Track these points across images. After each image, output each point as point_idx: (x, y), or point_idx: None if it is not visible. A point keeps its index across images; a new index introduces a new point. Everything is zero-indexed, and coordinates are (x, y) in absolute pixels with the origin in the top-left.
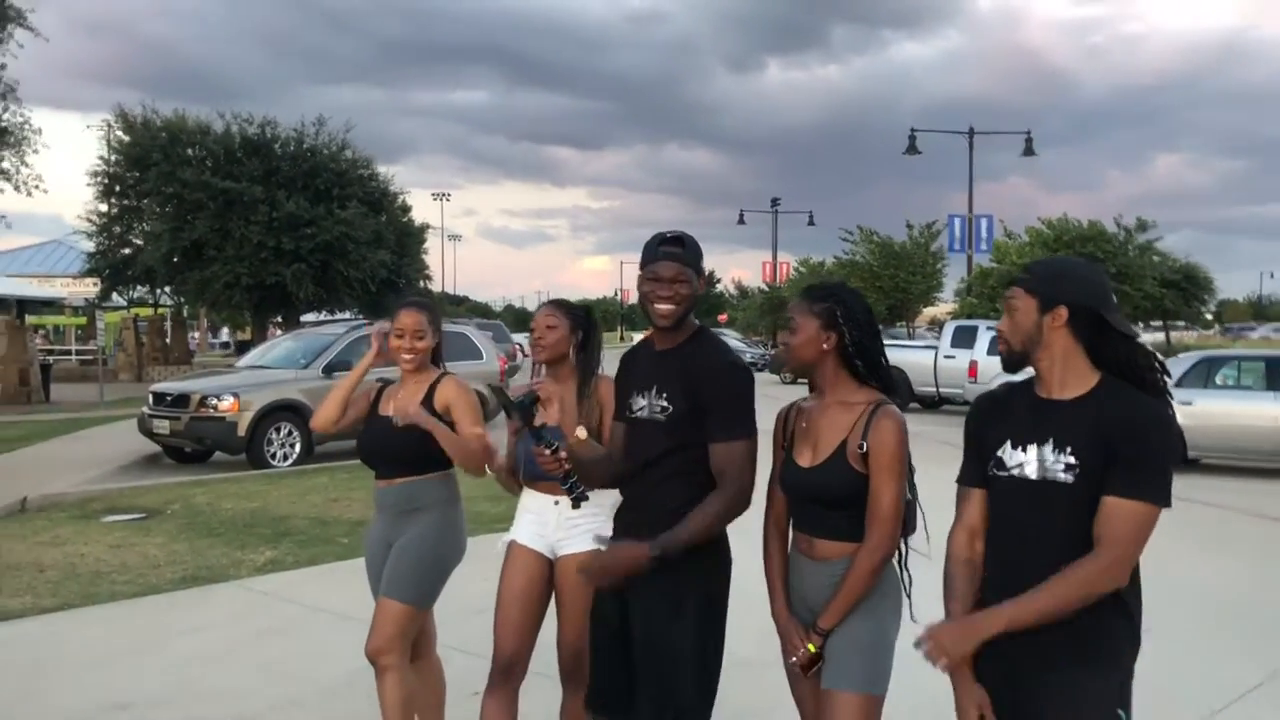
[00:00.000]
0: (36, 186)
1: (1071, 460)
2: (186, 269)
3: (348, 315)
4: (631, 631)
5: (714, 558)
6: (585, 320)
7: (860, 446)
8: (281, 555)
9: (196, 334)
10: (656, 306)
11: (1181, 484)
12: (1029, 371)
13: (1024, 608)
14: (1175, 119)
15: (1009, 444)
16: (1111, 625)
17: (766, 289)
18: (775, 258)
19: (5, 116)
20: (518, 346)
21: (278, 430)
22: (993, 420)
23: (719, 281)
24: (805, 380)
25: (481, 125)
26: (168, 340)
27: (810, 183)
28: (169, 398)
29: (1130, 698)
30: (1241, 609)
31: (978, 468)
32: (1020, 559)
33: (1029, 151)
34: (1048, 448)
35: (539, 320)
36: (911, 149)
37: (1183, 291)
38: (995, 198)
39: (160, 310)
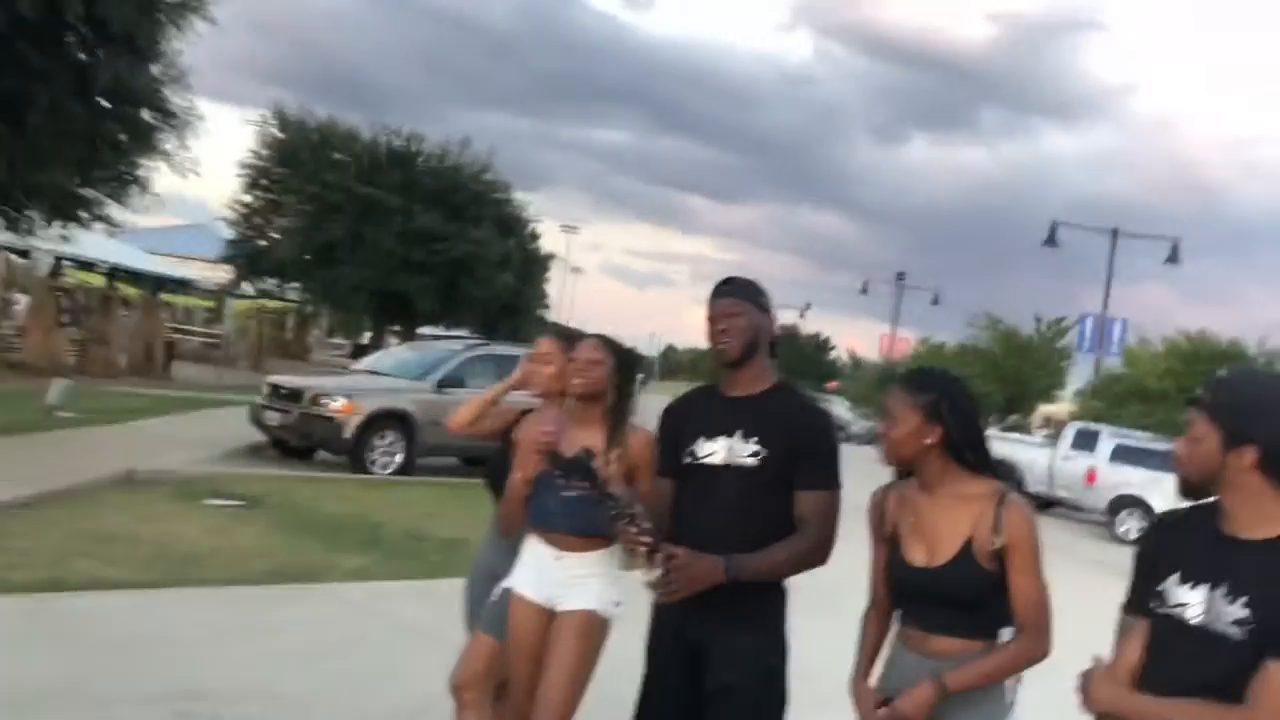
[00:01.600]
0: (192, 170)
1: (1244, 614)
2: (317, 268)
3: (464, 332)
4: (704, 684)
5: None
6: (630, 361)
7: (992, 543)
8: (371, 563)
9: (316, 333)
10: (718, 346)
11: None
12: None
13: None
14: None
15: (1177, 577)
16: None
17: (881, 362)
18: (894, 330)
19: (175, 101)
20: None
21: (382, 437)
22: (1169, 545)
23: (834, 349)
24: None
25: (619, 164)
26: (288, 335)
27: (940, 262)
28: (283, 391)
29: None
30: None
31: (1145, 597)
32: None
33: (1173, 259)
34: (1220, 592)
35: (582, 352)
36: (1050, 240)
37: None
38: (1130, 304)
39: (286, 305)
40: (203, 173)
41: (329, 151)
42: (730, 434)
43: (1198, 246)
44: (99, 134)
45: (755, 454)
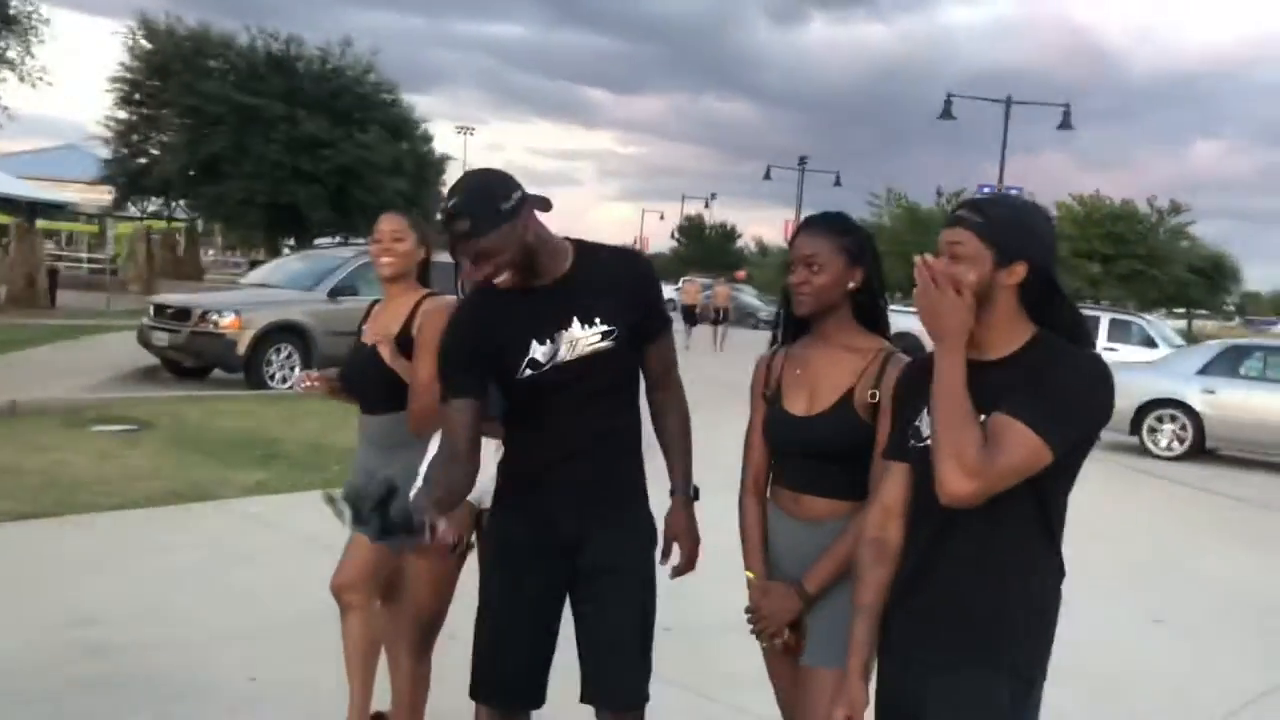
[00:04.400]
0: (41, 79)
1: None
2: (202, 183)
3: (361, 241)
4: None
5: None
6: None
7: (871, 395)
8: (270, 478)
9: (211, 252)
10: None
11: (1201, 473)
12: None
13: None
14: (1220, 105)
15: (926, 410)
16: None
17: (787, 248)
18: (799, 216)
19: (14, 4)
20: None
21: (278, 351)
22: (917, 386)
23: (740, 237)
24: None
25: (516, 60)
26: (180, 255)
27: (842, 144)
28: (169, 310)
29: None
30: (1257, 605)
31: (898, 439)
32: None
33: (1066, 124)
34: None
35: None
36: (946, 114)
37: (1209, 280)
38: (1029, 171)
39: (174, 224)
40: (73, 93)
41: (203, 60)
42: (561, 327)
43: (1092, 113)
44: None
45: (607, 334)
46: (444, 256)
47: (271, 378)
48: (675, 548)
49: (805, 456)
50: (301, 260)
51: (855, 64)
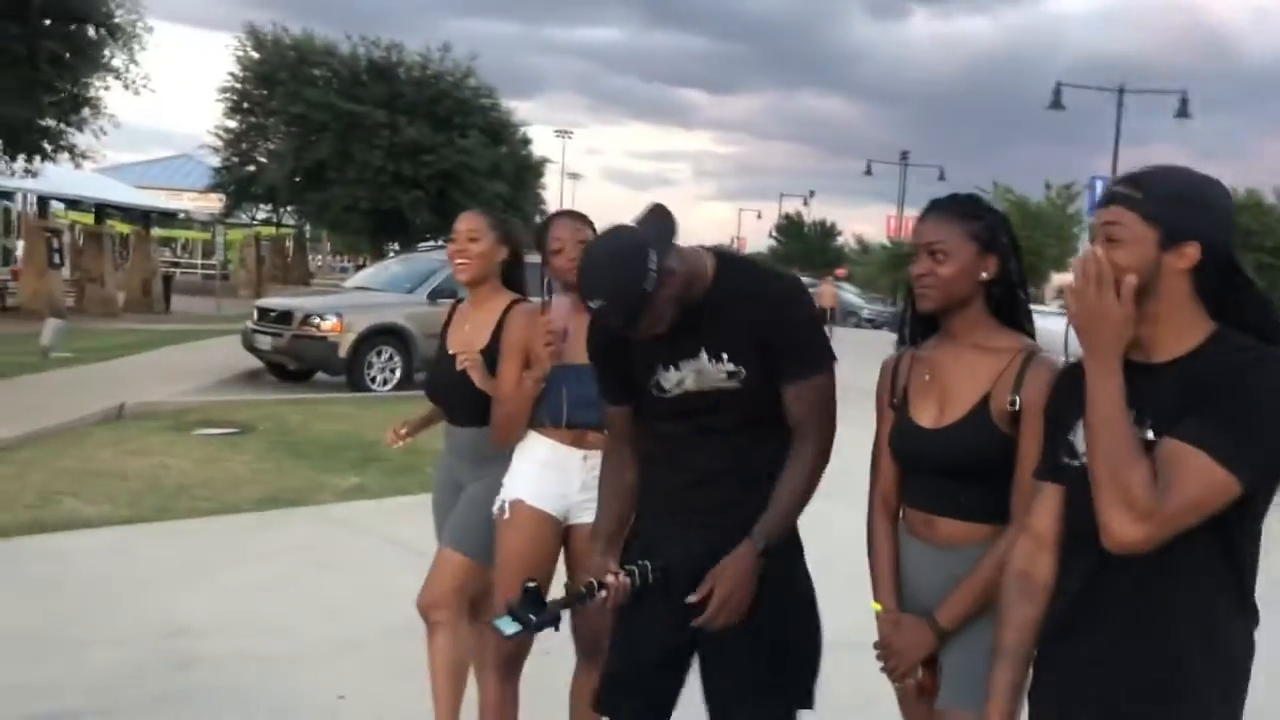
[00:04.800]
0: (145, 86)
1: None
2: (308, 190)
3: None
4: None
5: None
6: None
7: (1011, 402)
8: (366, 482)
9: (319, 257)
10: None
11: None
12: None
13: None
14: None
15: (1081, 422)
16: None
17: (889, 245)
18: (901, 211)
19: (120, 14)
20: None
21: (379, 354)
22: (1072, 393)
23: (840, 234)
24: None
25: (612, 63)
26: (289, 260)
27: (945, 138)
28: (273, 314)
29: None
30: None
31: (1049, 456)
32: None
33: (1183, 113)
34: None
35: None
36: (1056, 104)
37: None
38: (1142, 163)
39: (282, 230)
40: (189, 107)
41: (307, 69)
42: (686, 356)
43: (1209, 101)
44: (38, 51)
45: (731, 374)
46: (535, 257)
47: (373, 380)
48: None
49: (936, 474)
50: (401, 264)
51: (957, 58)
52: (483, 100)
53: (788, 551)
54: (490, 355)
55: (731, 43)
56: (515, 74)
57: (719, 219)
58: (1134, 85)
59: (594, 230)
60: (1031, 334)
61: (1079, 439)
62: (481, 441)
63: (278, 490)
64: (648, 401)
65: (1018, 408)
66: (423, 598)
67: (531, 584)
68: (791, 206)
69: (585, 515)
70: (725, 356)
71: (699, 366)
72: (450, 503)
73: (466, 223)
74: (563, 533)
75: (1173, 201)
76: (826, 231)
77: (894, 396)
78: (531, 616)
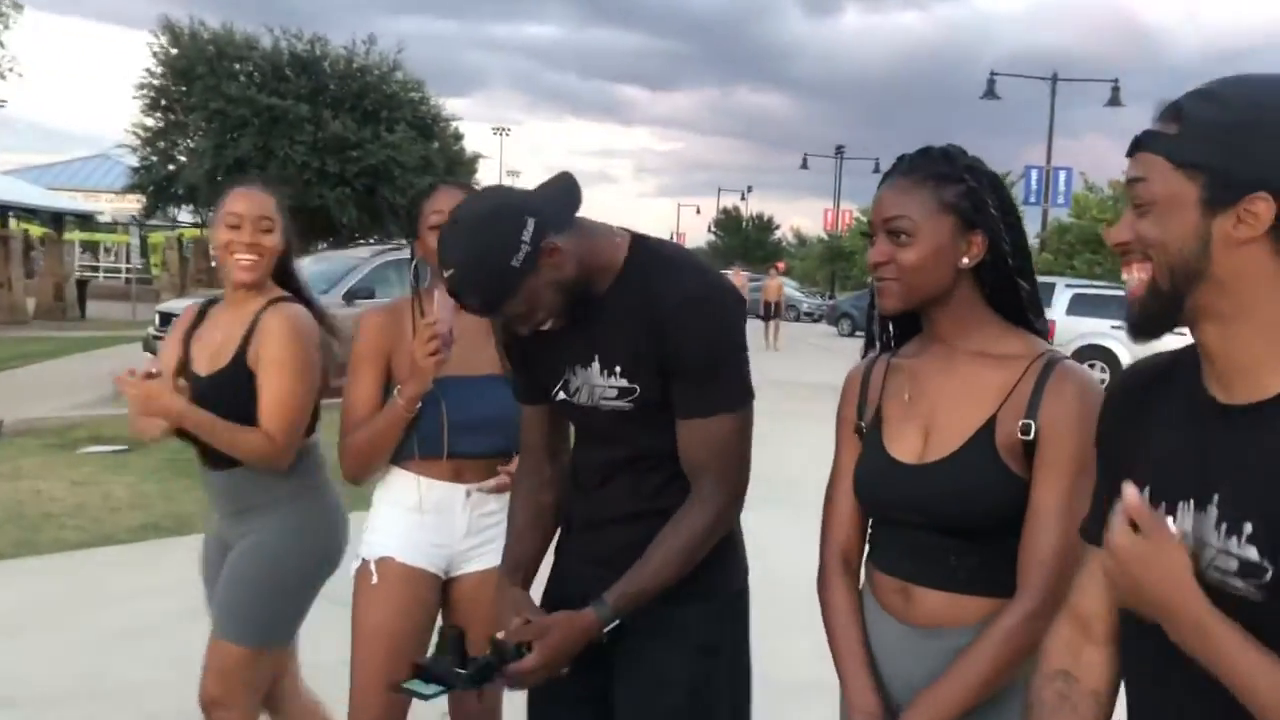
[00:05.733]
0: (10, 69)
1: (1252, 555)
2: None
3: (396, 243)
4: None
5: (718, 579)
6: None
7: (1024, 429)
8: None
9: None
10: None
11: None
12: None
13: None
14: None
15: (1146, 494)
16: None
17: (826, 238)
18: (837, 205)
19: None
20: None
21: None
22: (1137, 417)
23: (778, 228)
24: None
25: (551, 60)
26: (214, 263)
27: (881, 131)
28: (174, 319)
29: None
30: None
31: (1100, 510)
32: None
33: (1115, 101)
34: (1210, 512)
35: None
36: (990, 94)
37: None
38: (1074, 154)
39: (205, 231)
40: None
41: (227, 63)
42: (587, 360)
43: (1137, 94)
44: None
45: (624, 393)
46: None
47: None
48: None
49: (919, 528)
50: (318, 263)
51: (891, 52)
52: (411, 94)
53: (730, 616)
54: (235, 371)
55: (669, 39)
56: (452, 71)
57: (660, 215)
58: (1066, 75)
59: None
60: (1044, 333)
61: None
62: (241, 487)
63: (160, 516)
64: (562, 407)
65: (1032, 436)
66: (202, 692)
67: (453, 630)
68: (730, 201)
69: (472, 564)
70: (618, 370)
71: (590, 379)
72: (218, 568)
73: (252, 204)
74: (441, 589)
75: (1227, 133)
76: (764, 225)
77: (861, 418)
78: (459, 670)
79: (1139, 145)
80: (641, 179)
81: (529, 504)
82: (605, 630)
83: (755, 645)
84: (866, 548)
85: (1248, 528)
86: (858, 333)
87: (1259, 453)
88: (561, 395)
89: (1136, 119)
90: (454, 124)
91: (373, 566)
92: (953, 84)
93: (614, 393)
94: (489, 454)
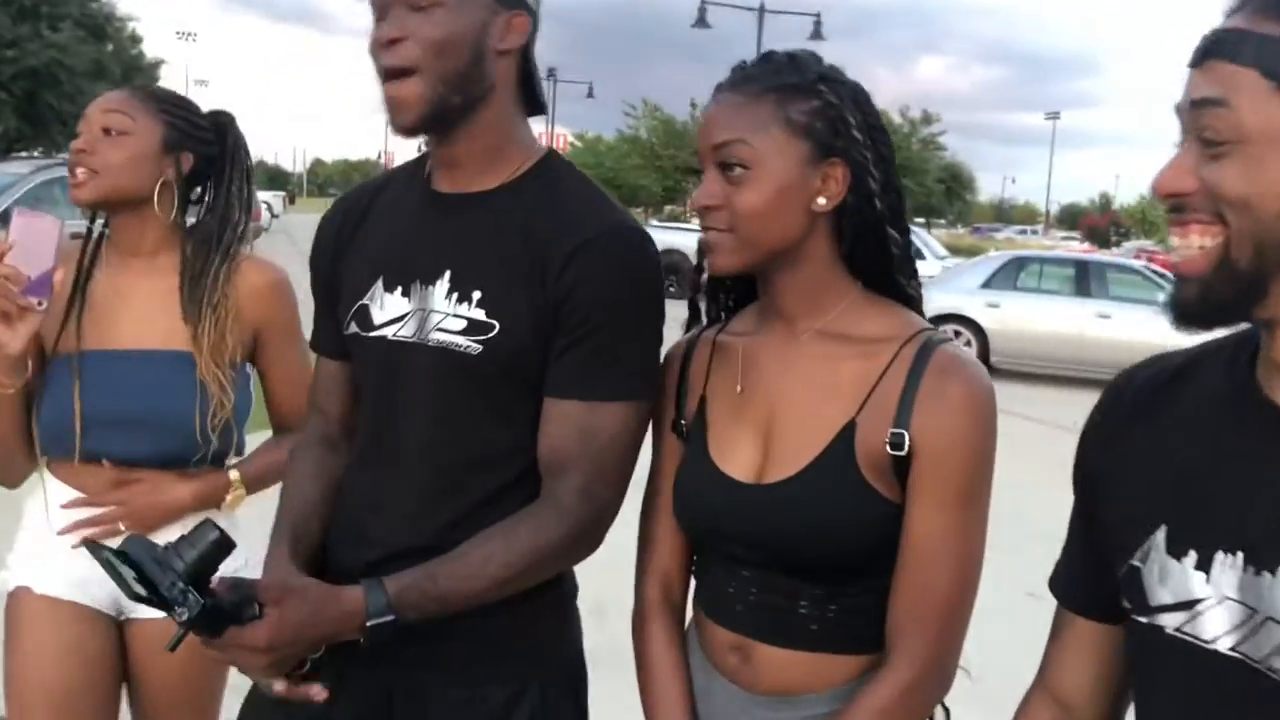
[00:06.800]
0: None
1: None
2: None
3: (61, 157)
4: None
5: (550, 644)
6: (210, 132)
7: (894, 441)
8: None
9: None
10: (385, 89)
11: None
12: None
13: None
14: (943, 22)
15: (1163, 537)
16: None
17: None
18: (551, 130)
19: None
20: (264, 207)
21: None
22: (1136, 445)
23: None
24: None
25: None
26: None
27: (594, 56)
28: None
29: None
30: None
31: (1086, 569)
32: None
33: (817, 34)
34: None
35: (93, 118)
36: (701, 22)
37: (948, 190)
38: None
39: None
40: None
41: None
42: (427, 278)
43: (836, 28)
44: None
45: (476, 327)
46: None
47: None
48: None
49: (760, 566)
50: None
51: None
52: None
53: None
54: None
55: None
56: None
57: (372, 132)
58: (772, 8)
59: (154, 107)
60: (917, 302)
61: (1174, 576)
62: None
63: None
64: (360, 347)
65: (905, 452)
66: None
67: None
68: None
69: (146, 608)
70: (476, 296)
71: (428, 301)
72: None
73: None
74: (117, 635)
75: None
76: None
77: (681, 414)
78: (184, 588)
79: (1213, 50)
80: (345, 91)
81: (314, 468)
82: (371, 624)
83: None
84: (693, 583)
85: None
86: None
87: None
88: (354, 328)
89: (836, 52)
90: (130, 24)
91: (3, 600)
92: (664, 9)
93: (460, 325)
94: (148, 460)
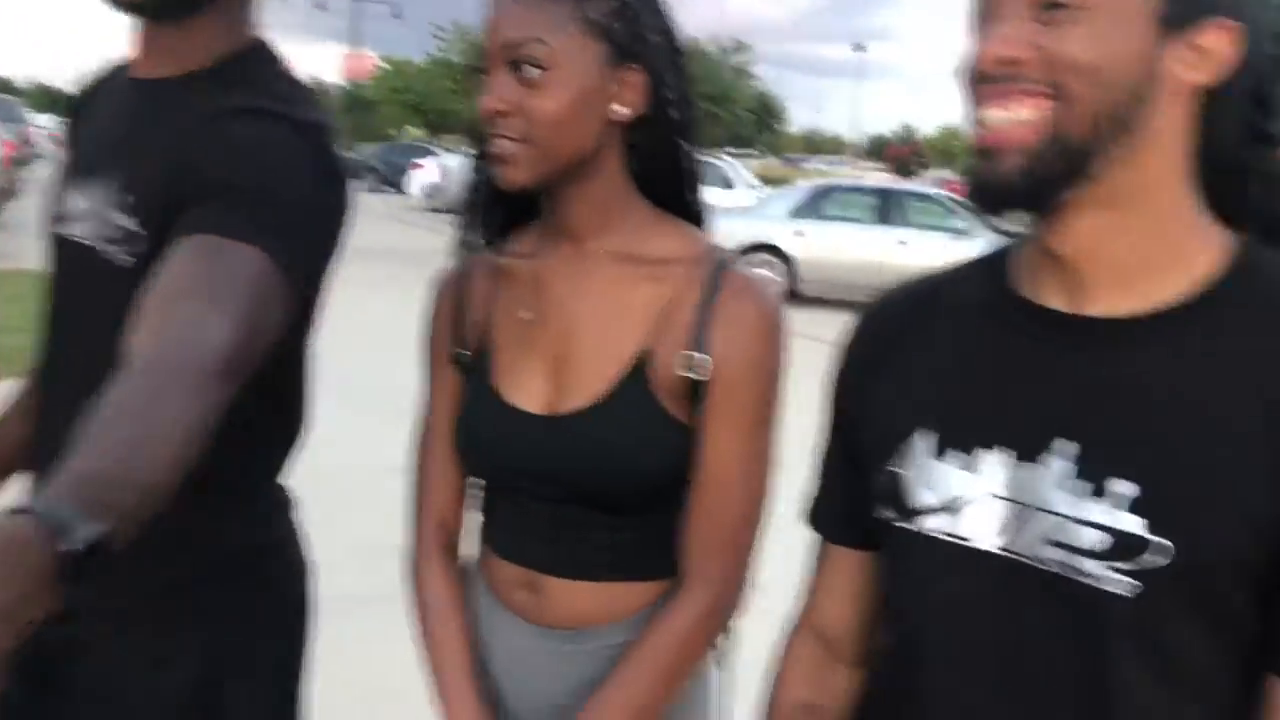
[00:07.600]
0: None
1: (1135, 524)
2: None
3: None
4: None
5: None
6: None
7: (687, 364)
8: None
9: None
10: None
11: (799, 318)
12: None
13: None
14: None
15: (928, 442)
16: None
17: (348, 86)
18: (357, 50)
19: None
20: (32, 131)
21: None
22: (896, 363)
23: None
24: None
25: None
26: None
27: None
28: None
29: None
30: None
31: (843, 497)
32: None
33: None
34: (1050, 464)
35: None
36: None
37: (759, 120)
38: None
39: None
40: None
41: None
42: (98, 175)
43: None
44: None
45: (122, 234)
46: None
47: None
48: None
49: (552, 500)
50: None
51: None
52: None
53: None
54: None
55: None
56: None
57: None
58: None
59: None
60: (704, 219)
61: (927, 474)
62: None
63: None
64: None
65: (706, 376)
66: None
67: None
68: None
69: None
70: (131, 202)
71: (94, 206)
72: None
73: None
74: None
75: None
76: None
77: (461, 345)
78: None
79: None
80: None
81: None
82: (59, 539)
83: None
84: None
85: (1122, 487)
86: (386, 187)
87: (1152, 378)
88: (54, 223)
89: None
90: None
91: None
92: None
93: (119, 235)
94: None
